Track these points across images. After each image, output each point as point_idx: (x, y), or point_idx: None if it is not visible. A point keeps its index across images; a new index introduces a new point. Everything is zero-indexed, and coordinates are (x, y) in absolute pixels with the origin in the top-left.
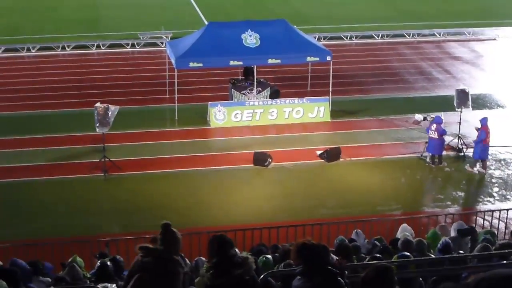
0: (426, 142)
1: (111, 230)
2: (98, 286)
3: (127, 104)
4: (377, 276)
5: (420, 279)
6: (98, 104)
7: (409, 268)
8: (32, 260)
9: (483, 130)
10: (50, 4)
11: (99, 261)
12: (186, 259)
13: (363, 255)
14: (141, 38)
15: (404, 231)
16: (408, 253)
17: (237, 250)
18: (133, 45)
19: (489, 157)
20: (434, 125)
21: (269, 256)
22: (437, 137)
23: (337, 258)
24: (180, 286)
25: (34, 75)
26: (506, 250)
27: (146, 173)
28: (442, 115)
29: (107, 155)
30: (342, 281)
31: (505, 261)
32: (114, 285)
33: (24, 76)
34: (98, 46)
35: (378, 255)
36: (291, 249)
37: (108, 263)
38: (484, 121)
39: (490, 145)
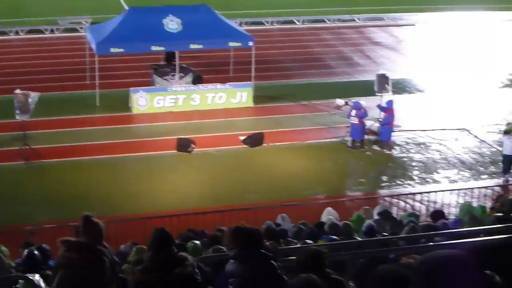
0: (348, 127)
1: (36, 218)
2: (28, 275)
3: (48, 90)
4: (309, 260)
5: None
6: (17, 91)
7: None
8: None
9: (389, 113)
10: None
11: (26, 250)
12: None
13: (290, 239)
14: (60, 24)
15: (329, 215)
16: (335, 236)
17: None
18: (52, 31)
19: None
20: (354, 111)
21: (198, 242)
22: (357, 122)
23: (269, 242)
24: (107, 274)
25: None
26: (432, 232)
27: (69, 160)
28: (360, 100)
29: (28, 143)
30: (276, 264)
31: (431, 243)
32: (38, 275)
33: None
34: (16, 32)
35: (307, 240)
36: (225, 233)
37: (35, 252)
38: (390, 103)
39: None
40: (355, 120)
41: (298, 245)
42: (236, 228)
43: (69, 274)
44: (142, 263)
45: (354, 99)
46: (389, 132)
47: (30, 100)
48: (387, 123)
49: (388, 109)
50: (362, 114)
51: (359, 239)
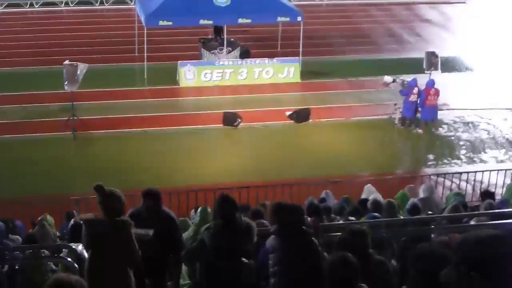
0: (395, 104)
1: (81, 189)
2: (72, 245)
3: (97, 62)
4: (352, 239)
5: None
6: (67, 62)
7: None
8: (3, 218)
9: (425, 92)
10: None
11: (72, 220)
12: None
13: (333, 216)
14: None
15: (369, 192)
16: (377, 214)
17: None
18: (102, 2)
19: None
20: (416, 88)
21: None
22: (415, 100)
23: (311, 218)
24: (134, 243)
25: (2, 32)
26: (475, 212)
27: (115, 132)
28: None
29: (76, 114)
30: (316, 241)
31: (473, 223)
32: (81, 245)
33: None
34: (66, 3)
35: (350, 217)
36: (267, 208)
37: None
38: (431, 83)
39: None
40: (414, 98)
41: (341, 222)
42: (277, 204)
43: (97, 253)
44: (210, 229)
45: (403, 77)
46: (431, 111)
47: (78, 71)
48: (423, 101)
49: (425, 88)
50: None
51: (402, 217)
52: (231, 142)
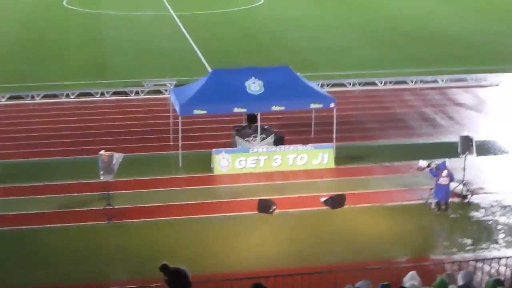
0: (431, 189)
1: (117, 278)
2: None
3: (132, 151)
4: None
5: None
6: (102, 152)
7: None
8: None
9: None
10: (56, 52)
11: None
12: None
13: None
14: (145, 86)
15: (412, 279)
16: None
17: None
18: (137, 93)
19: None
20: (446, 171)
21: None
22: (447, 183)
23: None
24: None
25: (39, 122)
26: None
27: (151, 221)
28: (447, 161)
29: (111, 203)
30: None
31: None
32: None
33: (28, 124)
34: (102, 94)
35: None
36: None
37: None
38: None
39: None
40: (444, 181)
41: None
42: None
43: None
44: None
45: (437, 161)
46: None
47: (114, 160)
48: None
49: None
50: (452, 176)
51: None
52: (267, 229)
